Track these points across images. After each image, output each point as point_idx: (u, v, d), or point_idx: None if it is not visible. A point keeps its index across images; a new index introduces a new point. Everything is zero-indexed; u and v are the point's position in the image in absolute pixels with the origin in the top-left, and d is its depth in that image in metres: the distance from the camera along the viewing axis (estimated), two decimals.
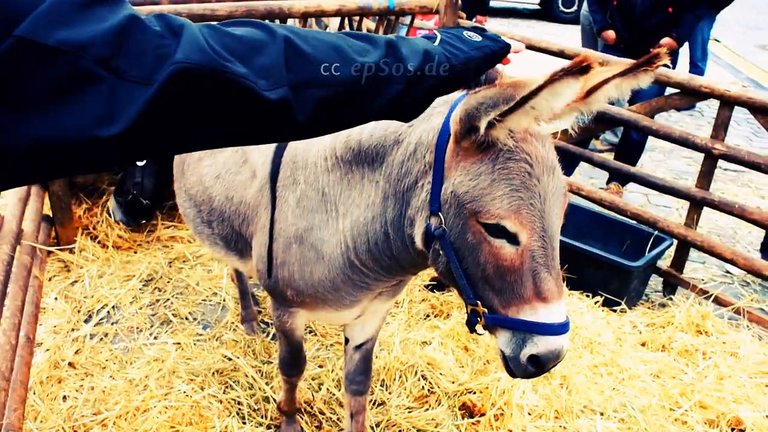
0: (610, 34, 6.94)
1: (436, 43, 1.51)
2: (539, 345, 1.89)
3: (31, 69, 0.96)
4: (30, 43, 0.94)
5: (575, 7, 17.07)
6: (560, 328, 1.89)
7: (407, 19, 6.67)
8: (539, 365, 1.93)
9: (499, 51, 1.64)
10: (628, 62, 1.81)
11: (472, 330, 2.05)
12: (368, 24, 7.11)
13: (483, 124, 1.77)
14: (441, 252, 2.03)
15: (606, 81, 1.76)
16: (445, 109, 2.07)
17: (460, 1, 6.17)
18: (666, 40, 6.67)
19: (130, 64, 1.02)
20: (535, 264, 1.86)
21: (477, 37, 1.62)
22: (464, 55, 1.53)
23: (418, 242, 2.13)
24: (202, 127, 1.17)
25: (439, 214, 1.99)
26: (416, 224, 2.12)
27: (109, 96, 1.01)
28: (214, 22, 1.23)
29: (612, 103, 7.07)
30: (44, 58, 0.96)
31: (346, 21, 6.62)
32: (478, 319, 2.01)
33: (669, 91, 5.11)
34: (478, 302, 1.99)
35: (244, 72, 1.13)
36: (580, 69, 1.46)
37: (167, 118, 1.09)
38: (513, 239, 1.86)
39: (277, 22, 7.02)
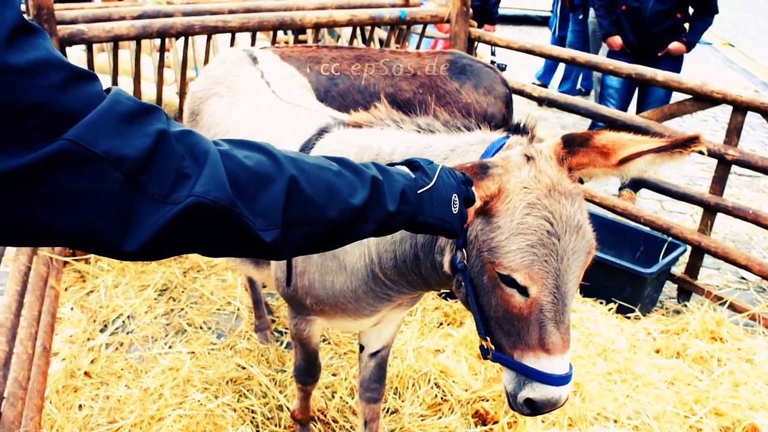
0: (617, 40, 6.93)
1: (433, 181, 1.62)
2: (537, 391, 1.95)
3: (71, 171, 1.02)
4: (78, 146, 1.01)
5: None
6: (560, 380, 1.93)
7: (419, 28, 6.70)
8: (534, 409, 1.99)
9: (470, 199, 1.74)
10: (664, 140, 1.87)
11: (485, 357, 2.11)
12: (380, 33, 7.15)
13: None
14: (462, 284, 2.08)
15: (640, 154, 1.81)
16: (480, 149, 2.11)
17: (471, 11, 6.21)
18: (675, 45, 6.68)
19: (152, 180, 1.11)
20: (543, 317, 1.90)
21: (453, 181, 1.70)
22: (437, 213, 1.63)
23: (446, 269, 2.17)
24: (200, 247, 1.27)
25: (464, 249, 2.02)
26: (446, 254, 2.15)
27: (127, 207, 1.09)
28: (228, 147, 1.31)
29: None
30: (86, 163, 1.03)
31: (358, 30, 6.65)
32: (485, 352, 2.09)
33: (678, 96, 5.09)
34: (488, 338, 2.05)
35: (247, 213, 1.25)
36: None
37: (175, 239, 1.18)
38: (523, 291, 1.89)
39: (290, 33, 7.08)
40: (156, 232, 1.12)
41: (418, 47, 6.66)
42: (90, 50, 4.86)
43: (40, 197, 1.01)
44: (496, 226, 1.88)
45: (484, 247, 1.92)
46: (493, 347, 2.04)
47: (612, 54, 6.97)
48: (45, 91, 0.99)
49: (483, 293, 2.01)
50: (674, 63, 6.77)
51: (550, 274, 1.85)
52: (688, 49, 6.75)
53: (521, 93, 6.04)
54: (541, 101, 5.83)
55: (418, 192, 1.60)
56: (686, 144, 1.78)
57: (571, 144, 1.95)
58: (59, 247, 4.82)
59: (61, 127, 1.00)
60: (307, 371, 3.19)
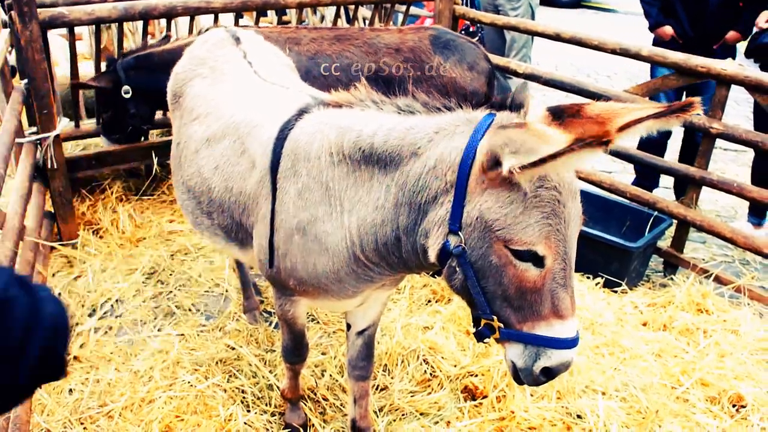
0: (667, 30, 6.24)
1: None
2: (552, 358, 2.01)
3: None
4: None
5: None
6: (572, 343, 2.00)
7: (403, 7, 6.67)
8: (550, 376, 2.05)
9: None
10: (661, 105, 1.91)
11: (480, 340, 2.14)
12: (364, 12, 7.11)
13: (505, 168, 1.84)
14: (458, 269, 2.09)
15: (639, 121, 1.84)
16: (467, 129, 2.09)
17: None
18: (732, 34, 6.11)
19: None
20: (555, 284, 1.95)
21: None
22: None
23: (432, 256, 2.17)
24: None
25: (459, 233, 2.03)
26: (431, 237, 2.15)
27: None
28: None
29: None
30: None
31: (342, 9, 6.61)
32: (491, 332, 2.10)
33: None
34: (494, 317, 2.07)
35: None
36: (603, 142, 1.61)
37: None
38: (539, 263, 1.93)
39: (273, 13, 7.03)
40: None
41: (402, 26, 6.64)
42: (72, 33, 4.81)
43: None
44: (508, 201, 1.91)
45: (496, 226, 1.93)
46: (500, 325, 2.06)
47: (660, 45, 6.16)
48: None
49: (489, 274, 2.02)
50: (729, 53, 6.14)
51: (561, 241, 1.91)
52: (744, 37, 6.16)
53: (506, 70, 6.04)
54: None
55: None
56: (684, 109, 1.82)
57: (561, 115, 1.95)
58: (45, 233, 4.80)
59: None
60: (295, 351, 3.21)
